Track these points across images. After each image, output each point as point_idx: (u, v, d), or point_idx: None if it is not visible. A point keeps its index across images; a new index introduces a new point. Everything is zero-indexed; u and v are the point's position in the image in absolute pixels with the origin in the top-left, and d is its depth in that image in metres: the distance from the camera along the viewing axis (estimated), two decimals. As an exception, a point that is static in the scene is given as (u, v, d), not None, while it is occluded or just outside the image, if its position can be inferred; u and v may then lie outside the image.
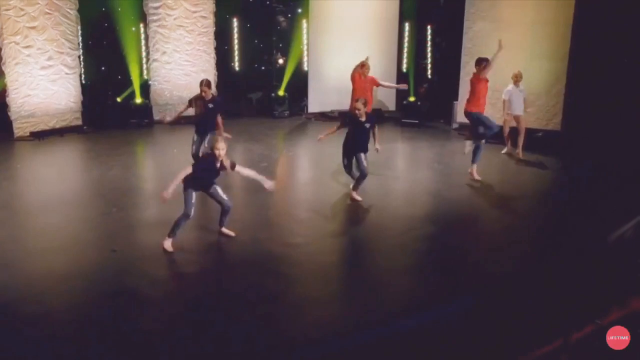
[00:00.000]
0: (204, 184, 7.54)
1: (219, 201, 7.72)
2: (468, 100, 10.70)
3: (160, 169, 11.82)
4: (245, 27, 16.80)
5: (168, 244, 7.39)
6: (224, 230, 7.94)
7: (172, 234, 7.41)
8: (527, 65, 13.46)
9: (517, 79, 11.95)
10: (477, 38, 14.08)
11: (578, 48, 13.02)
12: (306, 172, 12.28)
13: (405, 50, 16.05)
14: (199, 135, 10.18)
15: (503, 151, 12.47)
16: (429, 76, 16.01)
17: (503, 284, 6.72)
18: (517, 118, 12.09)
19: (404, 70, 16.09)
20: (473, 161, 10.64)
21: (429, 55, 15.80)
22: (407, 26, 15.88)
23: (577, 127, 13.00)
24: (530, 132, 13.53)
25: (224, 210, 7.78)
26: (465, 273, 7.13)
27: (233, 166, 7.39)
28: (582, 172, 11.45)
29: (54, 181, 10.59)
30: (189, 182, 7.33)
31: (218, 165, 7.30)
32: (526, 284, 6.65)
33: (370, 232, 8.70)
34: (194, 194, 7.44)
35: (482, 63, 10.36)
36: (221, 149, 7.20)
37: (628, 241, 7.56)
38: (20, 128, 13.34)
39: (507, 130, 12.42)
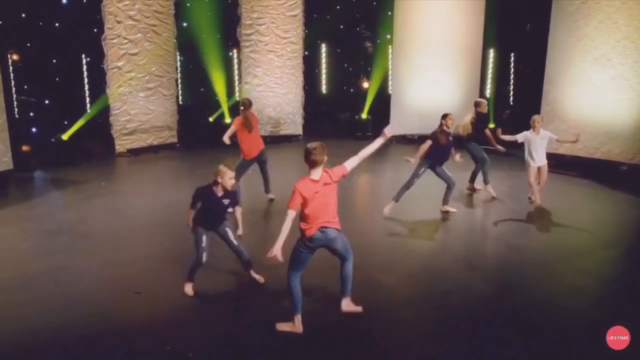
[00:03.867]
0: (212, 221, 6.22)
1: (228, 245, 6.38)
2: None
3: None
4: (336, 51, 16.26)
5: (188, 289, 6.24)
6: (253, 274, 6.57)
7: (190, 278, 6.25)
8: (613, 96, 11.88)
9: (536, 124, 9.15)
10: (560, 67, 12.60)
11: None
12: (357, 205, 10.16)
13: (489, 76, 14.83)
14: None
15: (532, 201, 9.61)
16: (511, 102, 14.67)
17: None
18: (539, 170, 9.40)
19: (487, 95, 14.86)
20: None
21: (512, 82, 14.48)
22: (491, 53, 14.65)
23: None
24: (613, 165, 11.93)
25: (240, 259, 6.50)
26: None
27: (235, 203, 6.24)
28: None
29: (129, 203, 9.99)
30: (198, 220, 6.17)
31: (220, 195, 6.06)
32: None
33: (413, 289, 6.53)
34: (204, 236, 6.17)
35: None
36: (228, 178, 6.00)
37: None
38: (121, 145, 13.43)
39: (531, 178, 9.45)
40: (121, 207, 9.72)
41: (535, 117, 9.21)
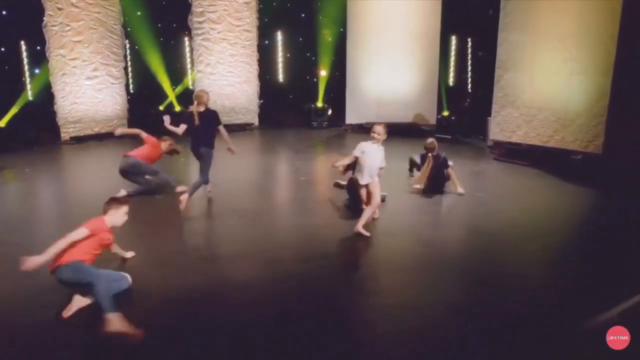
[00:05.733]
0: None
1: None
2: None
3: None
4: (296, 40, 15.50)
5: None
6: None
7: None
8: (566, 80, 10.92)
9: (375, 135, 6.97)
10: (512, 50, 11.66)
11: (624, 62, 10.15)
12: (301, 195, 8.93)
13: (452, 64, 13.88)
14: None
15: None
16: (469, 90, 13.72)
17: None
18: (366, 188, 7.22)
19: (450, 84, 13.93)
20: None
21: (469, 69, 13.50)
22: (453, 39, 13.69)
23: (620, 150, 9.99)
24: (568, 154, 10.97)
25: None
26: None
27: None
28: (625, 204, 8.36)
29: (41, 190, 9.43)
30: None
31: None
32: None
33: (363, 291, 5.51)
34: None
35: None
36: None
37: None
38: (67, 133, 12.81)
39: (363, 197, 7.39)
40: (30, 194, 8.99)
41: (377, 127, 7.08)
